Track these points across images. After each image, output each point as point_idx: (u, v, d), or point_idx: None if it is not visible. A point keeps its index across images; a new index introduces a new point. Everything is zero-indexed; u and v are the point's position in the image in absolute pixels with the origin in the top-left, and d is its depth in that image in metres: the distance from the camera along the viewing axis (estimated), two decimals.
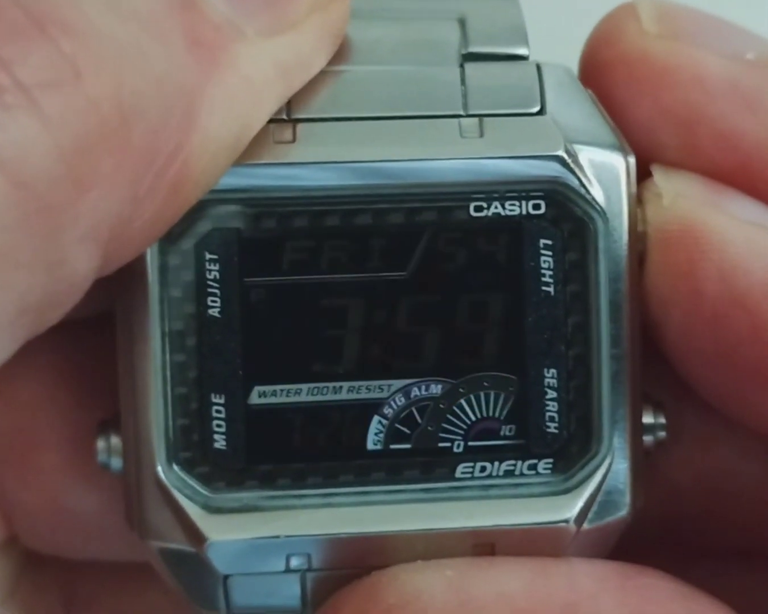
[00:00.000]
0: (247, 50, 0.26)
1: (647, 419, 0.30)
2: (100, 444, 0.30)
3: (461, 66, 0.29)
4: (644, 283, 0.30)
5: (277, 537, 0.29)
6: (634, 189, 0.29)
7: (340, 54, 0.29)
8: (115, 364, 0.30)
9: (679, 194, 0.29)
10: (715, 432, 0.32)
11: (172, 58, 0.24)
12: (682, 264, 0.29)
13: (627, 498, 0.30)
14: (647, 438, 0.30)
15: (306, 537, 0.29)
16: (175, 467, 0.29)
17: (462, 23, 0.30)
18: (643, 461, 0.30)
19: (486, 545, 0.29)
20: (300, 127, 0.28)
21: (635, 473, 0.30)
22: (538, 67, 0.30)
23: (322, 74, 0.29)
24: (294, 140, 0.28)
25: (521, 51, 0.30)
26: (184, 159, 0.25)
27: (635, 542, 0.31)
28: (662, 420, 0.30)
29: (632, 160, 0.29)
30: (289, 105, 0.28)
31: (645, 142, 0.30)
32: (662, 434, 0.30)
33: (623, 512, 0.30)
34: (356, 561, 0.29)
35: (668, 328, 0.30)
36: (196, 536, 0.29)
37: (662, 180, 0.30)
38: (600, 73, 0.30)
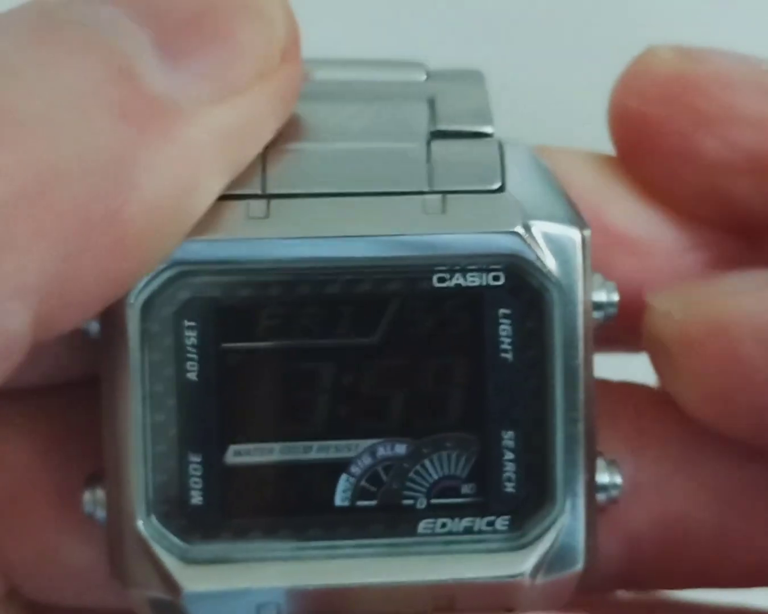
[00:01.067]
0: (184, 120, 0.27)
1: (602, 478, 0.32)
2: (87, 496, 0.31)
3: (428, 143, 0.31)
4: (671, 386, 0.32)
5: (249, 588, 0.30)
6: (588, 261, 0.31)
7: (314, 132, 0.31)
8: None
9: (686, 305, 0.31)
10: (671, 480, 0.34)
11: (98, 131, 0.26)
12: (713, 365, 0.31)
13: (580, 554, 0.31)
14: (601, 497, 0.32)
15: (275, 589, 0.30)
16: (154, 520, 0.30)
17: (431, 103, 0.32)
18: (595, 518, 0.32)
19: (446, 597, 0.31)
20: (273, 202, 0.30)
21: (589, 529, 0.31)
22: (500, 145, 0.31)
23: (297, 152, 0.31)
24: (267, 216, 0.30)
25: (486, 129, 0.32)
26: (123, 221, 0.26)
27: (597, 586, 0.33)
28: (617, 479, 0.32)
29: (587, 232, 0.31)
30: (264, 181, 0.30)
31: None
32: (615, 492, 0.32)
33: (576, 567, 0.31)
34: (323, 610, 0.31)
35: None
36: (173, 586, 0.30)
37: (661, 301, 0.32)
38: (635, 103, 0.33)
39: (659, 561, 0.34)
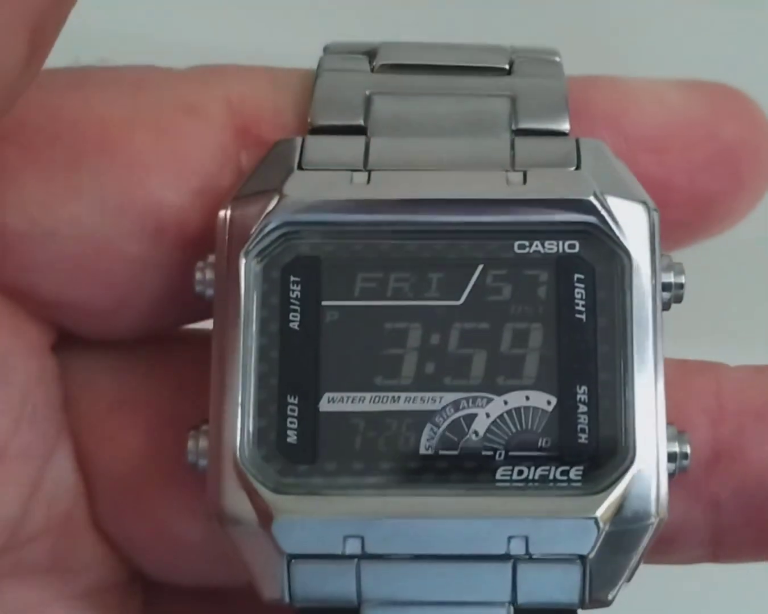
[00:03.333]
0: None
1: (671, 448, 0.34)
2: (191, 445, 0.34)
3: (511, 137, 0.35)
4: None
5: (335, 519, 0.33)
6: (657, 240, 0.34)
7: (411, 127, 0.35)
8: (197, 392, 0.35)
9: None
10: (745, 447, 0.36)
11: None
12: None
13: (652, 505, 0.33)
14: (670, 466, 0.33)
15: (359, 520, 0.32)
16: (252, 457, 0.33)
17: (513, 101, 0.36)
18: (667, 480, 0.33)
19: (520, 537, 0.32)
20: (374, 174, 0.34)
21: (659, 485, 0.33)
22: (577, 140, 0.35)
23: (396, 141, 0.35)
24: (369, 182, 0.34)
25: (563, 127, 0.35)
26: None
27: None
28: (686, 448, 0.34)
29: (656, 213, 0.34)
30: (366, 159, 0.34)
31: None
32: (685, 462, 0.34)
33: (649, 517, 0.33)
34: (404, 547, 0.33)
35: None
36: (265, 513, 0.33)
37: None
38: None
39: (746, 529, 0.35)
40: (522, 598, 0.33)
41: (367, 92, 0.36)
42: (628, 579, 0.33)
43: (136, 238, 0.35)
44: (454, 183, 0.34)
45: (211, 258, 0.34)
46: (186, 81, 0.36)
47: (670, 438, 0.34)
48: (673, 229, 0.36)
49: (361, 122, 0.35)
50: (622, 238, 0.34)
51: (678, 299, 0.34)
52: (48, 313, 0.36)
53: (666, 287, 0.34)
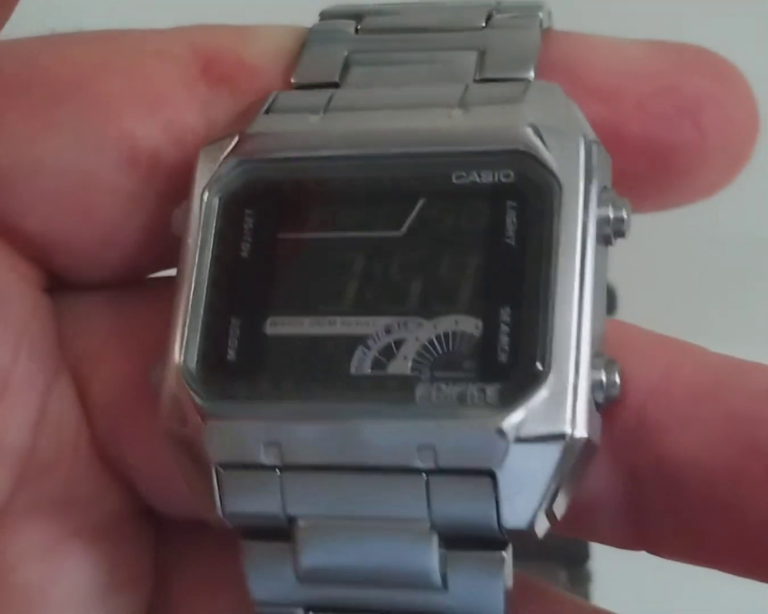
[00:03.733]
0: None
1: (598, 376, 0.33)
2: (149, 366, 0.36)
3: (466, 85, 0.36)
4: None
5: (253, 421, 0.34)
6: (598, 172, 0.34)
7: (377, 80, 0.37)
8: None
9: None
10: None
11: None
12: None
13: (563, 425, 0.32)
14: (598, 395, 0.33)
15: (276, 424, 0.33)
16: (194, 372, 0.35)
17: (481, 54, 0.37)
18: (586, 403, 0.32)
19: (428, 448, 0.32)
20: (328, 114, 0.36)
21: (578, 404, 0.32)
22: (529, 82, 0.36)
23: (355, 91, 0.37)
24: (321, 121, 0.36)
25: (527, 75, 0.36)
26: None
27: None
28: (615, 378, 0.33)
29: (597, 146, 0.34)
30: (327, 105, 0.36)
31: None
32: (614, 391, 0.33)
33: (558, 435, 0.32)
34: (319, 455, 0.33)
35: None
36: (195, 423, 0.34)
37: None
38: None
39: (667, 517, 0.34)
40: (437, 516, 0.33)
41: (346, 53, 0.38)
42: (548, 508, 0.33)
43: (113, 168, 0.37)
44: (400, 118, 0.35)
45: (185, 202, 0.37)
46: (153, 33, 0.39)
47: (597, 366, 0.33)
48: (632, 183, 0.36)
49: (336, 79, 0.37)
50: (553, 167, 0.34)
51: (620, 234, 0.34)
52: (37, 252, 0.38)
53: (604, 220, 0.34)
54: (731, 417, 0.33)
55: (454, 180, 0.35)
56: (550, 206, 0.34)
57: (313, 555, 0.34)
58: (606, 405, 0.33)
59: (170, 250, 0.38)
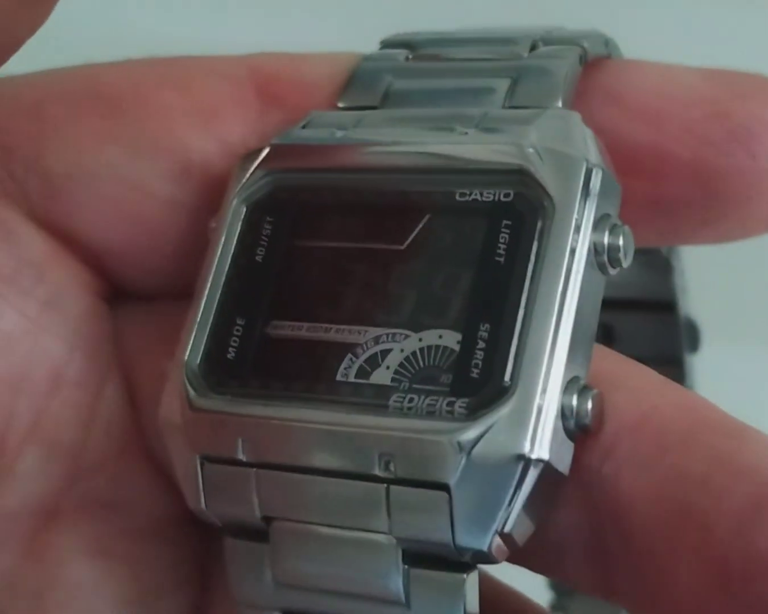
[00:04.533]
0: None
1: (570, 401, 0.32)
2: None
3: (486, 110, 0.36)
4: None
5: (230, 416, 0.34)
6: (597, 198, 0.33)
7: (409, 101, 0.37)
8: None
9: None
10: None
11: None
12: None
13: (524, 444, 0.31)
14: (569, 422, 0.32)
15: (251, 421, 0.34)
16: (196, 369, 0.36)
17: (514, 81, 0.37)
18: (552, 425, 0.31)
19: (387, 455, 0.32)
20: (352, 130, 0.37)
21: (542, 426, 0.31)
22: (546, 109, 0.35)
23: (386, 111, 0.37)
24: (343, 136, 0.36)
25: (555, 104, 0.36)
26: None
27: None
28: (587, 406, 0.32)
29: (600, 172, 0.33)
30: (357, 123, 0.37)
31: None
32: (586, 421, 0.32)
33: (517, 455, 0.31)
34: (288, 456, 0.33)
35: None
36: (185, 409, 0.35)
37: None
38: None
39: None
40: (397, 528, 0.32)
41: (390, 78, 0.38)
42: (507, 532, 0.32)
43: (166, 178, 0.39)
44: (413, 135, 0.36)
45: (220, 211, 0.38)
46: (214, 57, 0.40)
47: (570, 391, 0.32)
48: (684, 210, 0.35)
49: (376, 105, 0.38)
50: (549, 188, 0.33)
51: (616, 262, 0.33)
52: (93, 258, 0.40)
53: (599, 246, 0.33)
54: (682, 475, 0.31)
55: (457, 197, 0.35)
56: (541, 226, 0.33)
57: (286, 559, 0.34)
58: (579, 435, 0.32)
59: None
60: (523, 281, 0.33)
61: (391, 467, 0.32)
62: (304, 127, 0.38)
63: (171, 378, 0.36)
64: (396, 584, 0.33)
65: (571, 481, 0.33)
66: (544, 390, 0.32)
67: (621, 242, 0.33)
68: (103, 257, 0.40)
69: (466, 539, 0.32)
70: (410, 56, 0.39)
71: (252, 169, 0.37)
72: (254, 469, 0.34)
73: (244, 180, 0.37)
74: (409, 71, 0.39)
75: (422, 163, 0.35)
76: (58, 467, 0.39)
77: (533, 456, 0.31)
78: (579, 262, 0.33)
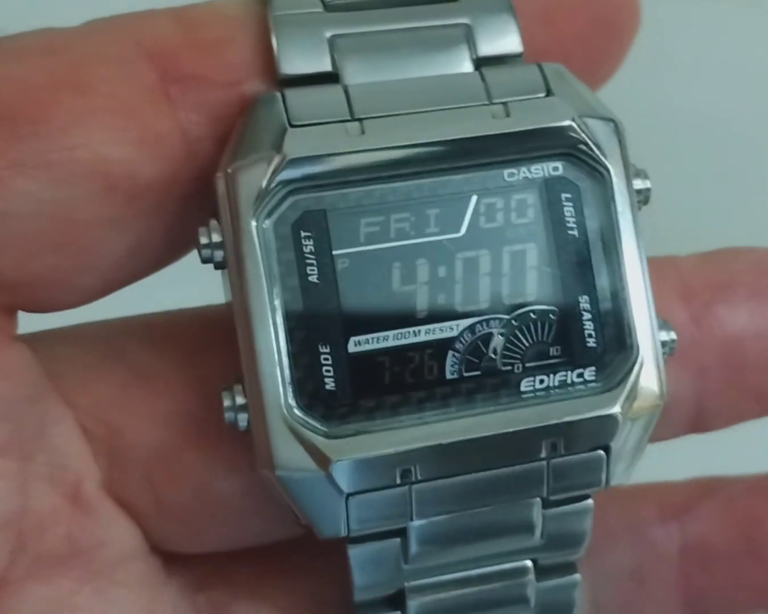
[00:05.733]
0: None
1: (661, 336, 0.37)
2: (227, 403, 0.36)
3: (477, 68, 0.37)
4: None
5: (388, 453, 0.35)
6: (626, 150, 0.37)
7: (379, 69, 0.37)
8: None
9: None
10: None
11: None
12: None
13: (659, 389, 0.37)
14: (664, 350, 0.37)
15: (410, 450, 0.35)
16: (297, 409, 0.35)
17: (468, 29, 0.37)
18: (664, 366, 0.37)
19: (554, 441, 0.36)
20: (365, 123, 0.36)
21: (659, 371, 0.37)
22: (540, 67, 0.37)
23: (365, 85, 0.36)
24: (363, 133, 0.36)
25: (520, 49, 0.37)
26: None
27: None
28: (673, 335, 0.38)
29: (622, 128, 0.37)
30: (351, 108, 0.36)
31: None
32: (673, 346, 0.38)
33: (656, 403, 0.37)
34: (452, 468, 0.36)
35: None
36: (322, 460, 0.35)
37: None
38: None
39: (726, 393, 0.39)
40: (554, 492, 0.37)
41: (328, 35, 0.37)
42: (639, 459, 0.37)
43: (90, 200, 0.35)
44: (444, 122, 0.36)
45: (213, 223, 0.36)
46: (92, 35, 0.36)
47: (660, 328, 0.37)
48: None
49: (329, 69, 0.37)
50: (600, 156, 0.37)
51: (646, 201, 0.38)
52: (6, 297, 0.36)
53: (638, 192, 0.37)
54: None
55: (506, 177, 0.36)
56: (603, 193, 0.37)
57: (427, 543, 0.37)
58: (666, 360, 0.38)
59: (145, 261, 0.37)
60: (604, 247, 0.36)
61: (558, 448, 0.36)
62: (290, 123, 0.35)
63: (271, 422, 0.35)
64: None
65: None
66: (654, 340, 0.37)
67: (649, 184, 0.38)
68: (15, 291, 0.36)
69: (617, 480, 0.37)
70: (327, 2, 0.37)
71: (265, 181, 0.35)
72: (408, 486, 0.36)
73: (259, 195, 0.35)
74: (345, 25, 0.37)
75: (461, 149, 0.36)
76: None
77: (664, 400, 0.37)
78: (635, 212, 0.37)
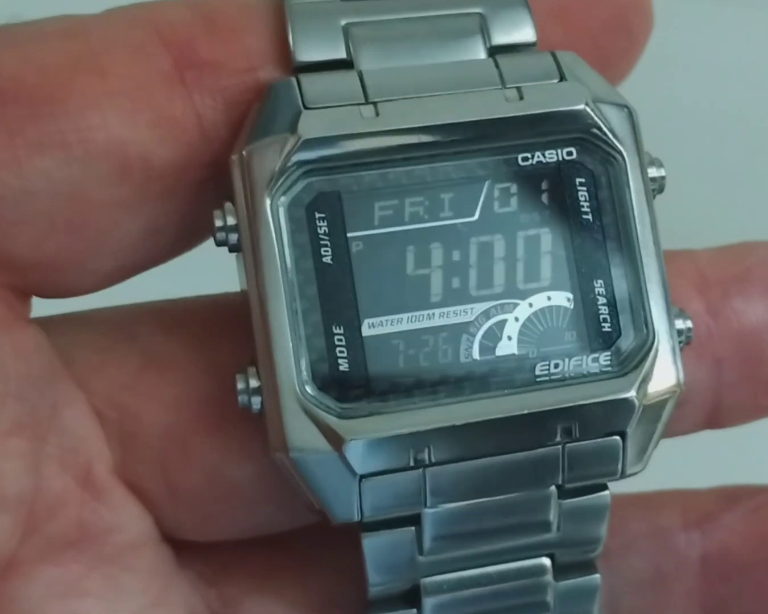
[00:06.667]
0: None
1: (677, 325, 0.37)
2: (241, 386, 0.36)
3: (491, 56, 0.37)
4: None
5: (401, 432, 0.35)
6: (640, 136, 0.37)
7: (392, 54, 0.37)
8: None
9: None
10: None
11: None
12: None
13: (674, 379, 0.36)
14: (680, 343, 0.37)
15: (425, 431, 0.35)
16: (310, 390, 0.35)
17: (482, 17, 0.38)
18: (680, 353, 0.37)
19: (569, 424, 0.35)
20: (380, 106, 0.36)
21: (676, 356, 0.36)
22: (553, 54, 0.38)
23: (380, 70, 0.36)
24: (378, 115, 0.36)
25: (533, 38, 0.38)
26: None
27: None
28: (689, 323, 0.37)
29: (636, 114, 0.37)
30: (365, 92, 0.36)
31: None
32: (690, 335, 0.37)
33: (672, 390, 0.36)
34: (467, 450, 0.35)
35: None
36: (335, 439, 0.35)
37: None
38: None
39: (743, 386, 0.39)
40: (569, 480, 0.36)
41: (343, 22, 0.37)
42: (655, 448, 0.37)
43: (105, 181, 0.35)
44: (458, 105, 0.36)
45: (228, 205, 0.36)
46: (110, 21, 0.36)
47: (676, 316, 0.37)
48: None
49: (344, 56, 0.37)
50: (615, 142, 0.37)
51: (661, 189, 0.38)
52: (21, 278, 0.36)
53: (652, 180, 0.37)
54: None
55: (520, 162, 0.37)
56: (617, 179, 0.37)
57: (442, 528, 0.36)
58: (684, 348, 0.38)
59: (167, 247, 0.37)
60: (619, 233, 0.36)
61: (572, 433, 0.36)
62: (305, 105, 0.36)
63: (285, 403, 0.35)
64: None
65: None
66: (670, 326, 0.36)
67: (664, 172, 0.38)
68: (31, 271, 0.36)
69: (632, 468, 0.37)
70: None
71: (278, 163, 0.35)
72: (422, 469, 0.35)
73: (272, 176, 0.35)
74: (360, 13, 0.37)
75: (475, 132, 0.36)
76: (9, 519, 0.36)
77: (681, 388, 0.36)
78: (650, 199, 0.37)
